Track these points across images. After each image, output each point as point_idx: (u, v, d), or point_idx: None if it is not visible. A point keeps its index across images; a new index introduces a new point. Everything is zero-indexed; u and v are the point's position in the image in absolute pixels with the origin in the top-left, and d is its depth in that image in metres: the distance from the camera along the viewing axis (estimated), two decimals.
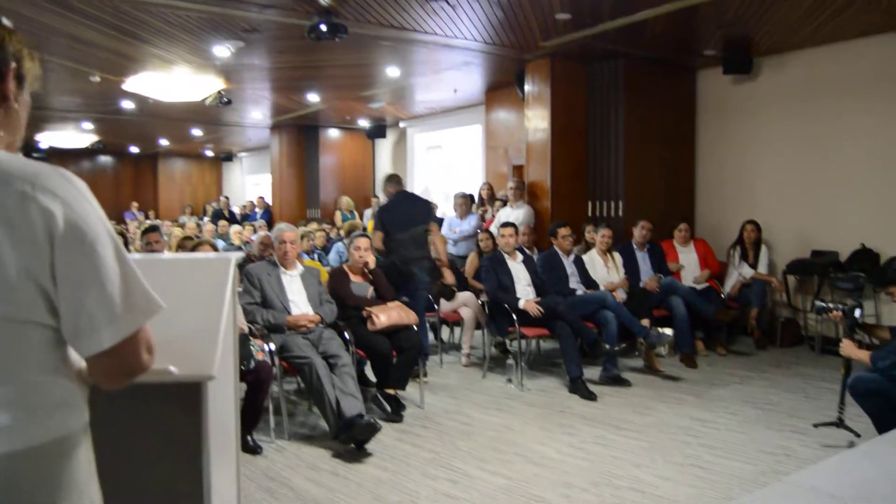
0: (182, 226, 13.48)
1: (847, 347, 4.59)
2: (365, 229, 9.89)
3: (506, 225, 7.12)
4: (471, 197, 9.71)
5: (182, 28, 7.62)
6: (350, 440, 4.77)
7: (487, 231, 8.28)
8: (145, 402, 2.01)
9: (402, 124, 14.86)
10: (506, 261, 6.87)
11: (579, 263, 7.34)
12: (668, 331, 7.09)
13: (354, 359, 5.39)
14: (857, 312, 4.71)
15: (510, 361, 6.68)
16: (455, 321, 7.64)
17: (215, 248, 6.33)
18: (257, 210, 16.39)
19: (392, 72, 10.04)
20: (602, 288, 7.18)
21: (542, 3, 6.92)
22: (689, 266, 8.05)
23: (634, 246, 7.88)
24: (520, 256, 7.01)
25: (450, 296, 7.30)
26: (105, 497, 1.51)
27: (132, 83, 10.37)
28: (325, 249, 9.91)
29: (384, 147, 16.10)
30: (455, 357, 7.66)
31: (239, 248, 10.22)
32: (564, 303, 6.54)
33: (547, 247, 7.75)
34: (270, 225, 12.92)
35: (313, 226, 11.57)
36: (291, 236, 5.59)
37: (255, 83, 11.11)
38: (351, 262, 6.05)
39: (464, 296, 7.40)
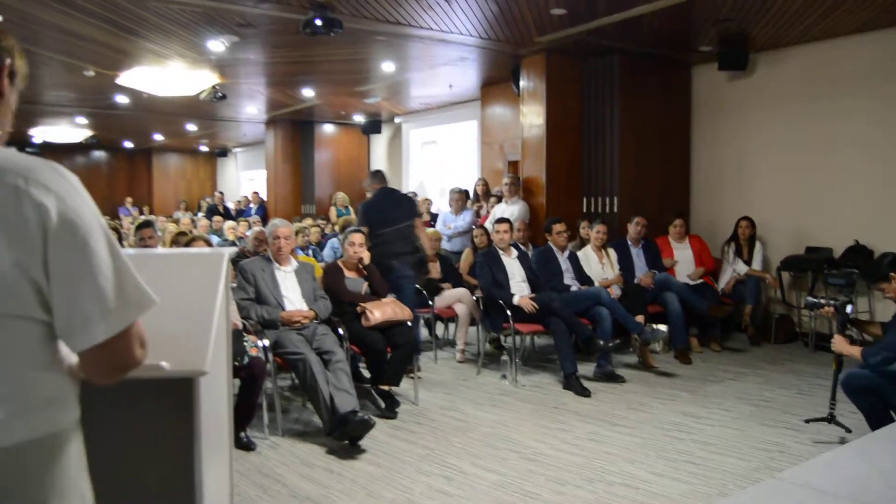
0: (176, 221, 13.46)
1: (838, 343, 4.60)
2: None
3: (500, 221, 7.11)
4: (466, 193, 9.71)
5: (176, 22, 7.60)
6: (344, 436, 4.77)
7: (482, 227, 8.28)
8: (137, 397, 2.00)
9: (397, 120, 14.85)
10: (500, 257, 6.87)
11: (574, 259, 7.34)
12: (663, 327, 7.08)
13: (348, 355, 5.38)
14: (849, 308, 4.72)
15: (505, 357, 6.68)
16: (450, 317, 7.64)
17: (209, 244, 6.32)
18: (252, 205, 16.37)
19: (387, 67, 10.03)
20: (596, 284, 7.18)
21: None
22: (683, 262, 8.06)
23: (629, 242, 7.88)
24: (514, 252, 7.01)
25: (435, 290, 7.30)
26: (96, 493, 1.51)
27: (126, 77, 10.35)
28: (320, 245, 9.89)
29: (379, 142, 16.08)
30: (449, 353, 7.66)
31: (233, 244, 10.20)
32: (559, 299, 6.55)
33: (542, 243, 7.76)
34: (265, 220, 12.92)
35: (308, 221, 11.56)
36: (286, 232, 5.58)
37: (249, 78, 11.09)
38: (345, 257, 6.05)
39: (458, 292, 7.40)
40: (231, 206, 17.62)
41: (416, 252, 6.96)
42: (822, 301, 4.83)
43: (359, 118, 15.05)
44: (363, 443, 4.81)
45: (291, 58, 9.55)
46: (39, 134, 17.37)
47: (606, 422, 5.34)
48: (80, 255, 1.34)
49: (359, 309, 5.66)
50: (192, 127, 17.09)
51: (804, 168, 8.29)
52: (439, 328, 8.35)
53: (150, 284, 1.45)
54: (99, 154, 21.91)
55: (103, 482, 1.56)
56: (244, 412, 4.77)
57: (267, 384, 5.05)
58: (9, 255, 1.29)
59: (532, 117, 9.03)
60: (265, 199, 16.23)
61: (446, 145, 13.77)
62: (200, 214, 16.31)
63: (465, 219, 9.16)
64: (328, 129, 15.73)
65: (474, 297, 7.24)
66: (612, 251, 7.65)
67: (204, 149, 22.31)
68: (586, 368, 6.58)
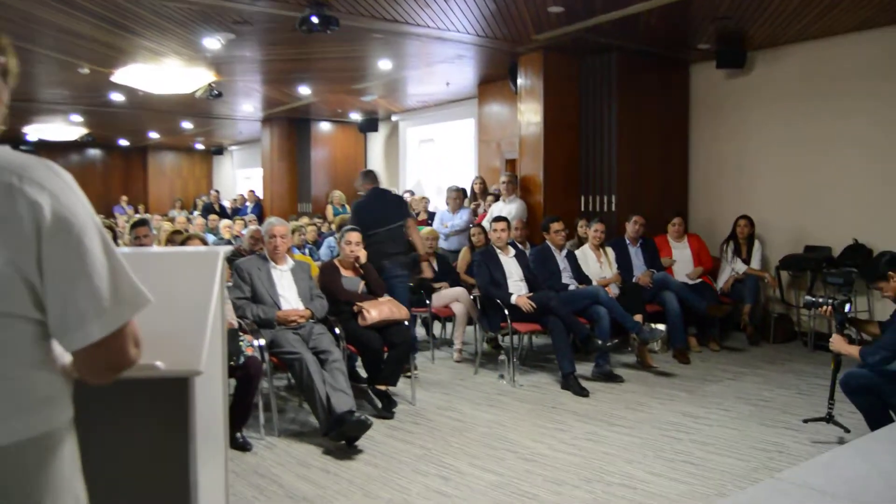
0: (172, 220, 13.44)
1: (836, 343, 4.60)
2: None
3: (498, 219, 7.11)
4: (463, 191, 9.70)
5: (172, 19, 7.59)
6: (340, 437, 4.76)
7: (479, 225, 8.27)
8: (131, 397, 1.99)
9: (394, 118, 14.84)
10: (498, 256, 6.86)
11: (572, 258, 7.34)
12: (661, 326, 7.08)
13: (345, 354, 5.38)
14: (847, 307, 4.72)
15: (502, 357, 6.67)
16: (447, 316, 7.64)
17: (205, 242, 6.30)
18: (248, 204, 16.36)
19: (384, 65, 10.02)
20: (594, 283, 7.18)
21: None
22: (682, 262, 8.06)
23: (627, 241, 7.88)
24: (512, 251, 7.01)
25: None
26: (90, 494, 1.50)
27: (122, 75, 10.33)
28: (317, 244, 9.88)
29: (376, 141, 16.07)
30: (447, 353, 7.66)
31: (229, 243, 10.19)
32: (557, 298, 6.54)
33: (539, 241, 7.76)
34: (261, 219, 12.89)
35: (304, 220, 11.54)
36: (282, 230, 5.57)
37: (245, 76, 11.07)
38: (342, 256, 6.04)
39: (455, 291, 7.39)
40: (227, 204, 17.59)
41: (408, 252, 6.98)
42: (821, 300, 4.83)
43: (355, 116, 15.04)
44: (360, 443, 4.80)
45: (288, 55, 9.54)
46: (34, 132, 17.33)
47: (604, 422, 5.34)
48: (74, 253, 1.33)
49: (355, 308, 5.65)
50: (187, 125, 17.06)
51: (803, 166, 8.30)
52: (436, 328, 8.35)
53: (145, 283, 1.44)
54: (94, 152, 21.87)
55: (97, 483, 1.56)
56: (240, 412, 4.76)
57: (263, 384, 5.04)
58: (2, 253, 1.29)
59: (529, 115, 9.03)
60: (261, 197, 16.21)
61: (443, 143, 13.76)
62: (196, 213, 16.29)
63: (462, 217, 9.16)
64: (325, 126, 15.71)
65: (471, 297, 7.24)
66: (610, 250, 7.65)
67: (200, 147, 22.29)
68: (584, 368, 6.58)
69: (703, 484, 4.15)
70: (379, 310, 5.64)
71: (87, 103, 13.61)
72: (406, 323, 5.83)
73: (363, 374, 5.95)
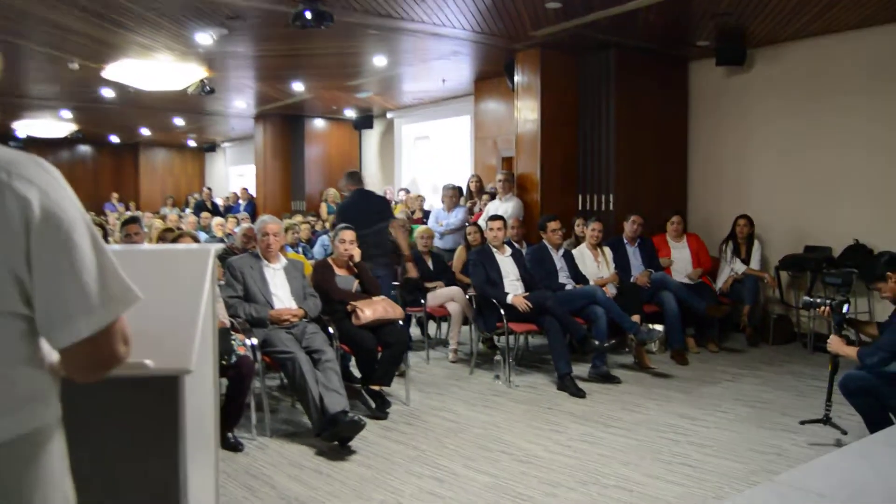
0: (163, 217, 13.42)
1: (834, 344, 4.61)
2: None
3: (494, 218, 7.12)
4: (459, 189, 9.70)
5: (163, 14, 7.57)
6: (334, 437, 4.76)
7: (475, 224, 8.27)
8: (120, 395, 1.99)
9: (389, 115, 14.84)
10: (494, 255, 6.86)
11: (569, 258, 7.34)
12: (659, 327, 7.10)
13: (338, 354, 5.38)
14: (845, 308, 4.73)
15: (498, 357, 6.69)
16: (442, 316, 7.64)
17: (197, 240, 6.31)
18: (241, 202, 16.33)
19: (379, 61, 10.01)
20: (592, 283, 7.18)
21: None
22: (681, 262, 8.06)
23: (625, 240, 7.89)
24: (508, 250, 7.01)
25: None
26: (78, 493, 1.50)
27: (112, 71, 10.29)
28: (310, 242, 9.88)
29: (371, 138, 16.07)
30: (442, 353, 7.67)
31: (221, 241, 10.17)
32: (553, 298, 6.55)
33: (536, 241, 7.76)
34: (254, 217, 12.89)
35: (298, 218, 11.54)
36: (275, 228, 5.57)
37: (238, 71, 11.05)
38: (336, 255, 6.04)
39: (451, 290, 7.40)
40: (219, 202, 17.57)
41: (389, 253, 7.09)
42: (818, 301, 4.84)
43: (350, 113, 15.03)
44: (353, 444, 4.80)
45: (281, 51, 9.52)
46: (23, 128, 17.29)
47: (601, 423, 5.35)
48: (63, 249, 1.33)
49: (349, 307, 5.65)
50: (179, 121, 17.02)
51: (803, 165, 8.31)
52: (431, 327, 8.34)
53: (135, 281, 1.44)
54: (84, 149, 21.81)
55: (86, 482, 1.56)
56: (232, 412, 4.77)
57: (255, 384, 5.04)
58: None
59: (526, 112, 9.03)
60: (254, 195, 16.19)
61: (439, 141, 13.76)
62: (188, 210, 16.28)
63: (457, 216, 9.16)
64: (319, 123, 15.71)
65: (467, 296, 7.24)
66: (607, 249, 7.65)
67: (192, 144, 22.24)
68: (581, 369, 6.59)
69: (700, 487, 4.16)
70: (373, 309, 5.64)
71: (77, 99, 13.56)
72: (400, 322, 5.83)
73: (357, 374, 5.95)
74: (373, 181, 15.89)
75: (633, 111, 8.86)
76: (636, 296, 7.26)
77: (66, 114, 15.62)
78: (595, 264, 7.48)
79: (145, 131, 19.43)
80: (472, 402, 5.95)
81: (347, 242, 5.94)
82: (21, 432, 1.35)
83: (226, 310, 5.15)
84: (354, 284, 5.97)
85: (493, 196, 9.41)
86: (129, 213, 15.83)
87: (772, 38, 8.33)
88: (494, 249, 6.91)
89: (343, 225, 6.10)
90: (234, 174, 21.24)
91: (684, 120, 9.51)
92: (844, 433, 4.75)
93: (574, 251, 7.53)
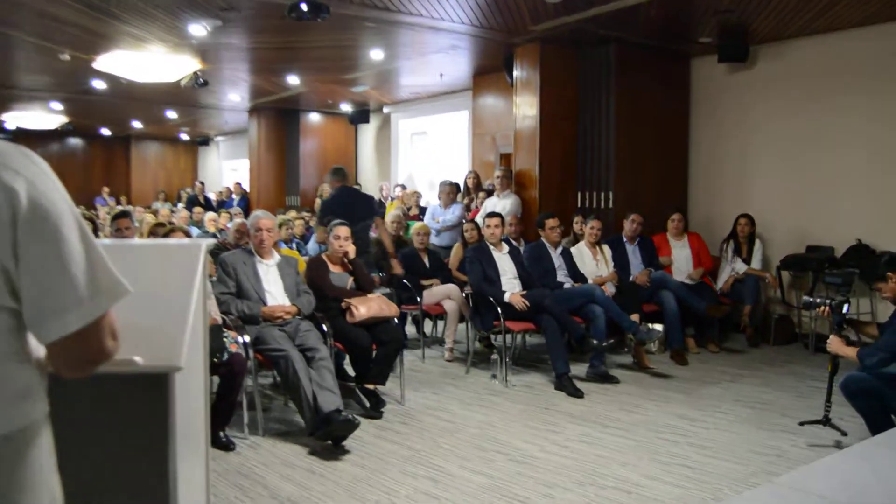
0: (155, 212, 13.40)
1: (834, 344, 4.62)
2: None
3: (492, 215, 7.11)
4: (456, 185, 9.70)
5: (156, 5, 7.55)
6: (327, 437, 4.76)
7: (473, 221, 8.27)
8: (109, 393, 1.99)
9: (385, 109, 14.82)
10: (491, 252, 6.86)
11: (567, 256, 7.34)
12: (659, 327, 7.11)
13: (332, 352, 5.37)
14: (845, 308, 4.73)
15: (495, 356, 6.69)
16: (438, 314, 7.64)
17: (189, 236, 6.30)
18: (234, 197, 16.30)
19: (376, 54, 9.99)
20: (590, 281, 7.19)
21: None
22: (682, 261, 8.06)
23: (625, 239, 7.89)
24: (506, 248, 7.01)
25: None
26: (66, 492, 1.50)
27: (104, 62, 10.28)
28: (304, 238, 9.87)
29: (367, 133, 16.05)
30: (437, 351, 7.66)
31: (213, 236, 10.16)
32: (551, 296, 6.55)
33: (534, 238, 7.76)
34: (247, 212, 12.86)
35: (292, 214, 11.53)
36: (268, 224, 5.55)
37: (232, 64, 11.03)
38: (330, 251, 6.03)
39: (447, 288, 7.39)
40: (212, 196, 17.53)
41: (370, 251, 7.19)
42: (818, 300, 4.84)
43: (346, 107, 15.00)
44: (347, 443, 4.80)
45: (276, 44, 9.51)
46: (12, 119, 17.25)
47: (599, 424, 5.35)
48: (50, 241, 1.33)
49: (343, 304, 5.64)
50: (172, 114, 17.00)
51: (806, 164, 8.31)
52: (427, 325, 8.34)
53: (124, 276, 1.44)
54: (74, 141, 21.76)
55: (73, 481, 1.55)
56: (223, 410, 4.76)
57: (247, 382, 5.03)
58: None
59: (525, 108, 9.03)
60: (248, 189, 16.17)
61: (437, 136, 13.76)
62: (180, 205, 16.25)
63: (454, 212, 9.15)
64: (314, 118, 15.68)
65: (464, 294, 7.24)
66: (606, 248, 7.65)
67: (185, 137, 22.21)
68: (579, 369, 6.59)
69: (700, 488, 4.16)
70: (368, 306, 5.63)
71: (67, 91, 13.53)
72: (396, 320, 5.83)
73: (351, 372, 5.94)
74: (369, 177, 15.93)
75: (633, 108, 8.86)
76: (635, 295, 7.26)
77: (57, 105, 15.59)
78: (594, 262, 7.48)
79: (137, 124, 19.39)
80: (468, 401, 5.95)
81: (342, 238, 5.93)
82: (8, 430, 1.34)
83: (218, 306, 5.14)
84: (349, 281, 5.96)
85: (489, 193, 9.40)
86: (120, 208, 15.81)
87: (775, 35, 8.33)
88: (492, 247, 6.91)
89: (338, 221, 6.09)
90: (228, 168, 21.21)
91: (685, 117, 9.51)
92: (844, 434, 4.76)
93: (573, 249, 7.53)
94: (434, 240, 8.73)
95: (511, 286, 6.69)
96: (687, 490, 4.13)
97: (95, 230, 8.32)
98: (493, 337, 7.33)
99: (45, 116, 17.04)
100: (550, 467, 4.49)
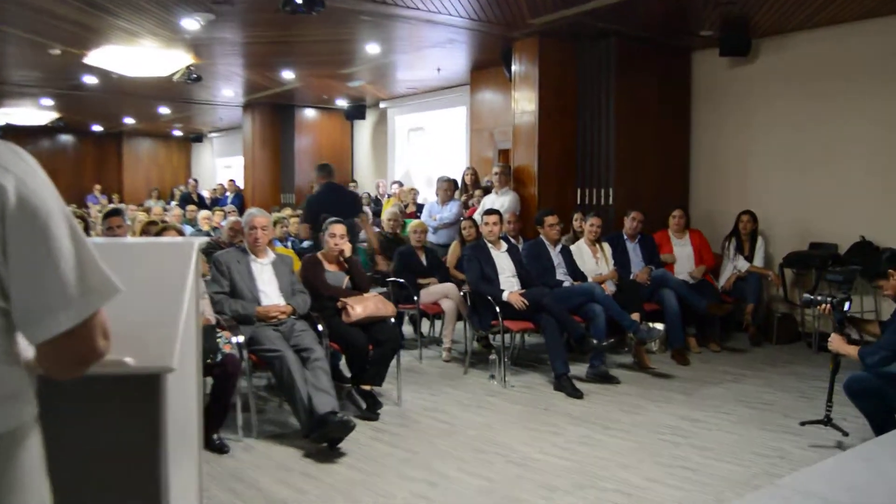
0: (147, 210, 13.38)
1: (835, 343, 4.63)
2: None
3: (490, 212, 7.11)
4: (454, 182, 9.70)
5: None
6: (322, 439, 4.76)
7: (470, 218, 8.26)
8: (100, 394, 1.98)
9: (382, 105, 14.82)
10: (489, 250, 6.86)
11: (566, 254, 7.34)
12: (659, 326, 7.10)
13: (328, 352, 5.36)
14: (846, 305, 4.73)
15: (493, 356, 6.68)
16: (436, 314, 7.64)
17: (182, 234, 6.29)
18: (228, 194, 16.29)
19: (372, 49, 9.99)
20: (590, 280, 7.19)
21: None
22: (683, 259, 8.06)
23: (625, 236, 7.89)
24: (504, 246, 7.01)
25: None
26: (56, 494, 1.50)
27: (95, 57, 10.26)
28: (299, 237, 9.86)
29: (363, 129, 16.05)
30: (435, 351, 7.66)
31: (207, 234, 10.16)
32: (550, 295, 6.55)
33: (533, 236, 7.76)
34: (242, 210, 12.85)
35: (287, 211, 11.51)
36: (263, 222, 5.55)
37: (226, 59, 11.02)
38: (326, 249, 6.02)
39: (445, 287, 7.39)
40: (206, 194, 17.53)
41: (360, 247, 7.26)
42: (819, 298, 4.84)
43: (342, 103, 15.00)
44: (343, 445, 4.79)
45: (270, 38, 9.50)
46: (1, 116, 17.22)
47: (599, 425, 5.35)
48: (40, 239, 1.33)
49: (339, 304, 5.64)
50: (164, 110, 16.99)
51: (809, 159, 8.32)
52: (425, 325, 8.34)
53: (116, 275, 1.44)
54: (65, 138, 21.73)
55: (63, 485, 1.55)
56: (217, 412, 4.75)
57: (241, 383, 5.03)
58: None
59: (524, 103, 9.03)
60: (242, 187, 16.16)
61: (434, 132, 13.76)
62: (173, 203, 16.22)
63: (451, 210, 9.14)
64: (309, 113, 15.68)
65: (461, 293, 7.24)
66: (606, 245, 7.66)
67: (178, 133, 22.20)
68: (579, 369, 6.58)
69: (701, 490, 4.16)
70: (364, 306, 5.63)
71: (58, 86, 13.50)
72: (392, 320, 5.83)
73: (347, 373, 5.94)
74: (365, 173, 15.93)
75: (633, 102, 8.86)
76: (636, 293, 7.26)
77: (47, 101, 15.57)
78: (594, 260, 7.48)
79: (129, 120, 19.38)
80: (465, 402, 5.95)
81: (338, 237, 5.92)
82: (5, 430, 1.35)
83: (211, 306, 5.13)
84: (345, 280, 5.96)
85: (487, 190, 9.40)
86: (111, 206, 15.79)
87: (777, 28, 8.33)
88: (490, 245, 6.91)
89: (333, 219, 6.09)
90: (222, 165, 21.21)
91: (686, 112, 9.51)
92: (845, 434, 4.76)
93: (572, 247, 7.53)
94: (431, 237, 8.73)
95: (509, 285, 6.70)
96: (688, 493, 4.13)
97: (87, 228, 8.31)
98: (491, 337, 7.33)
99: (36, 112, 17.01)
100: (550, 469, 4.49)
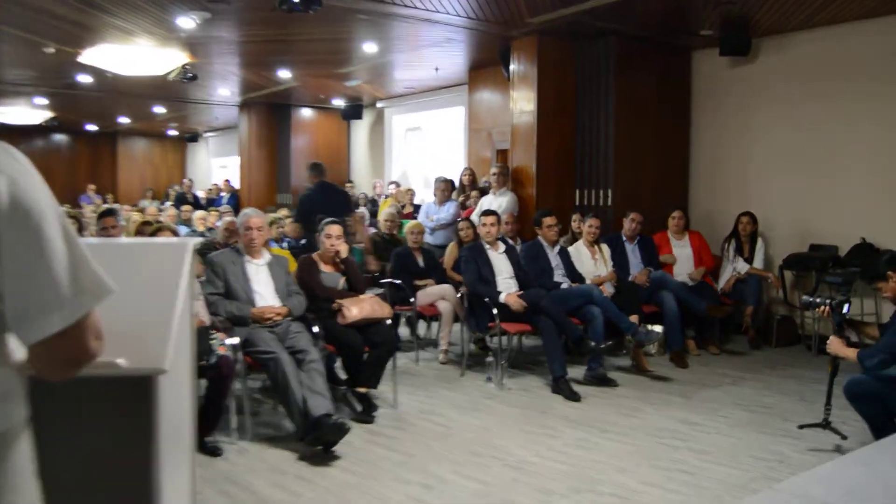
0: (142, 210, 13.38)
1: (834, 345, 4.63)
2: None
3: (487, 213, 7.11)
4: (451, 183, 9.70)
5: None
6: (317, 441, 4.75)
7: (468, 219, 8.26)
8: (92, 396, 1.98)
9: (379, 104, 14.82)
10: (487, 251, 6.86)
11: (565, 255, 7.35)
12: (658, 328, 7.11)
13: (323, 354, 5.37)
14: (845, 308, 4.74)
15: (490, 359, 6.67)
16: (432, 315, 7.63)
17: (176, 234, 6.30)
18: (223, 194, 16.30)
19: (369, 48, 9.99)
20: (588, 281, 7.19)
21: None
22: (682, 260, 8.06)
23: (624, 237, 7.89)
24: (502, 247, 7.01)
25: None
26: (47, 498, 1.49)
27: (89, 55, 10.26)
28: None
29: (360, 128, 16.05)
30: (432, 354, 7.66)
31: (202, 235, 10.15)
32: (548, 297, 6.55)
33: (531, 237, 7.75)
34: (237, 210, 12.85)
35: (283, 212, 11.51)
36: (258, 222, 5.54)
37: (222, 58, 11.02)
38: (322, 250, 6.02)
39: (442, 288, 7.39)
40: (201, 194, 17.52)
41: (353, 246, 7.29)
42: (818, 300, 4.85)
43: (338, 102, 15.00)
44: (338, 448, 4.79)
45: (267, 36, 9.50)
46: None
47: (596, 428, 5.35)
48: (33, 239, 1.32)
49: (335, 305, 5.64)
50: (160, 109, 16.98)
51: (809, 160, 8.32)
52: (421, 327, 8.34)
53: (109, 275, 1.44)
54: (59, 137, 21.72)
55: (54, 488, 1.55)
56: (211, 415, 4.75)
57: (236, 385, 5.03)
58: None
59: (522, 103, 9.03)
60: (237, 187, 16.16)
61: (431, 132, 13.76)
62: (168, 203, 16.22)
63: (449, 210, 9.14)
64: (306, 113, 15.68)
65: (458, 294, 7.23)
66: (605, 247, 7.65)
67: (173, 133, 22.19)
68: (576, 371, 6.59)
69: (699, 494, 4.17)
70: (360, 307, 5.62)
71: (52, 85, 13.50)
72: (388, 322, 5.83)
73: (342, 375, 5.94)
74: (362, 174, 15.92)
75: (632, 102, 8.87)
76: (634, 295, 7.26)
77: (41, 100, 15.56)
78: (592, 262, 7.48)
79: (124, 119, 19.38)
80: (462, 405, 5.95)
81: (334, 237, 5.92)
82: None
83: (206, 308, 5.13)
84: (341, 282, 5.96)
85: (485, 191, 9.41)
86: (106, 206, 15.78)
87: (778, 28, 8.34)
88: (487, 246, 6.91)
89: (329, 219, 6.08)
90: (217, 165, 21.20)
91: (686, 112, 9.52)
92: (844, 438, 4.76)
93: (570, 248, 7.53)
94: (428, 238, 8.73)
95: (507, 286, 6.70)
96: (686, 497, 4.14)
97: (80, 229, 8.32)
98: (488, 339, 7.32)
99: (29, 111, 17.00)
100: (546, 473, 4.49)
